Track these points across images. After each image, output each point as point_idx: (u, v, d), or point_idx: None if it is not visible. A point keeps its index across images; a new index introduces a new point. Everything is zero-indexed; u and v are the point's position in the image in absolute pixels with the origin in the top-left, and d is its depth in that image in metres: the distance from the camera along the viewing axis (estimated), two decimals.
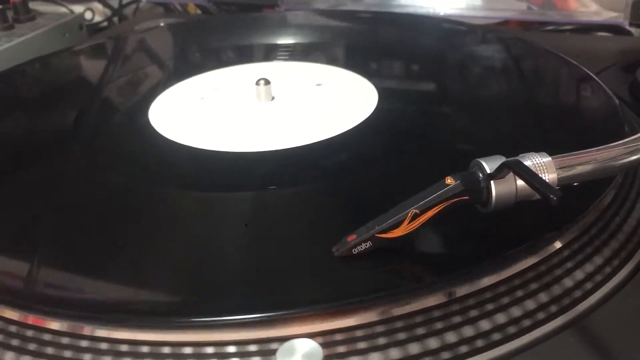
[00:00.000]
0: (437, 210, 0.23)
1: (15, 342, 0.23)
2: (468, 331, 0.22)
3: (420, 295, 0.23)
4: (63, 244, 0.27)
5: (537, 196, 0.22)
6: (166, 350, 0.22)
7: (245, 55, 0.53)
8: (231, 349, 0.22)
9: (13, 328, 0.24)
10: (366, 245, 0.24)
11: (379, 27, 0.58)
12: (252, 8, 0.69)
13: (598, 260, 0.26)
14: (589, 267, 0.25)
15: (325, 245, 0.24)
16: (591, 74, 0.40)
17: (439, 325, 0.22)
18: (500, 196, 0.23)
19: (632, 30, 0.59)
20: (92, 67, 0.53)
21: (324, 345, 0.21)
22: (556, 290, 0.24)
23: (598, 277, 0.25)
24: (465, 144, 0.35)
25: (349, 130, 0.36)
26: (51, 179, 0.33)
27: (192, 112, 0.41)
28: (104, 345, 0.22)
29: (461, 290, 0.23)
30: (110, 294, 0.24)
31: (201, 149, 0.35)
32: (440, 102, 0.41)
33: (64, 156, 0.36)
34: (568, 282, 0.25)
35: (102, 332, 0.23)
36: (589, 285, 0.25)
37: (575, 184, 0.24)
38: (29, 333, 0.23)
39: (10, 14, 0.59)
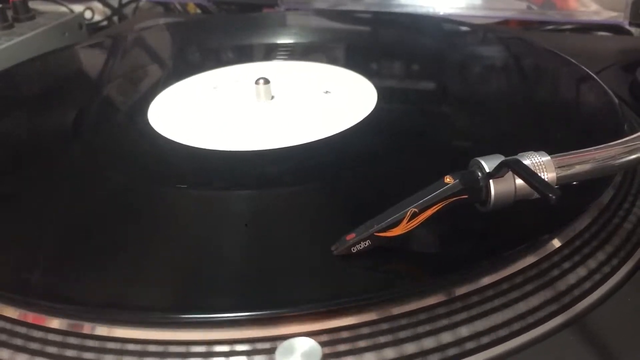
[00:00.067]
0: (436, 209, 0.23)
1: (14, 340, 0.23)
2: (467, 330, 0.22)
3: (419, 294, 0.23)
4: (59, 241, 0.27)
5: (536, 195, 0.22)
6: (162, 348, 0.22)
7: (244, 54, 0.53)
8: (229, 347, 0.22)
9: (12, 326, 0.24)
10: (365, 244, 0.24)
11: (378, 26, 0.58)
12: (252, 7, 0.69)
13: (597, 259, 0.26)
14: (588, 266, 0.25)
15: (324, 244, 0.24)
16: (591, 74, 0.40)
17: (437, 324, 0.22)
18: (499, 195, 0.23)
19: (632, 29, 0.59)
20: (91, 66, 0.53)
21: (323, 344, 0.21)
22: (555, 289, 0.24)
23: (597, 276, 0.25)
24: (465, 143, 0.35)
25: (349, 129, 0.36)
26: (50, 177, 0.33)
27: (192, 111, 0.41)
28: (111, 345, 0.23)
29: (460, 290, 0.23)
30: (111, 292, 0.24)
31: (200, 148, 0.35)
32: (440, 101, 0.41)
33: (63, 155, 0.36)
34: (567, 281, 0.25)
35: (118, 331, 0.23)
36: (588, 284, 0.25)
37: (575, 183, 0.24)
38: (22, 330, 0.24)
39: (10, 13, 0.59)
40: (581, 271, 0.25)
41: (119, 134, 0.40)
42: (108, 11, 0.77)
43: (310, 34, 0.55)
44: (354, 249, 0.24)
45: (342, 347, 0.22)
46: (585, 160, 0.24)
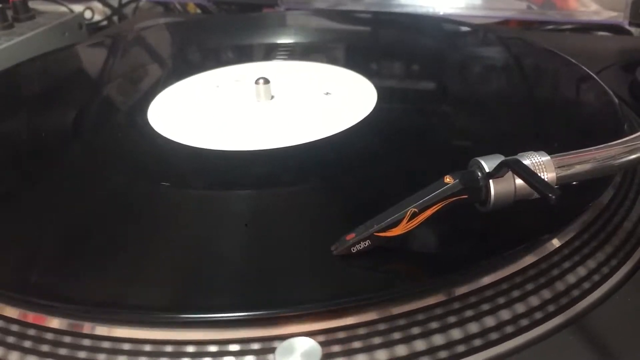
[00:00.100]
0: (436, 209, 0.23)
1: (12, 339, 0.23)
2: (467, 330, 0.22)
3: (419, 294, 0.23)
4: (59, 241, 0.27)
5: (536, 195, 0.22)
6: (162, 348, 0.22)
7: (244, 54, 0.53)
8: (230, 347, 0.22)
9: (12, 326, 0.24)
10: (365, 244, 0.24)
11: (378, 26, 0.58)
12: (252, 7, 0.69)
13: (597, 259, 0.26)
14: (587, 266, 0.25)
15: (324, 244, 0.24)
16: (591, 73, 0.40)
17: (437, 324, 0.22)
18: (499, 195, 0.23)
19: (632, 29, 0.59)
20: (91, 66, 0.53)
21: (322, 344, 0.21)
22: (555, 289, 0.24)
23: (597, 276, 0.25)
24: (464, 142, 0.35)
25: (348, 128, 0.36)
26: (50, 177, 0.33)
27: (192, 111, 0.41)
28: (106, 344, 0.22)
29: (460, 289, 0.23)
30: (110, 292, 0.24)
31: (200, 147, 0.35)
32: (440, 101, 0.41)
33: (63, 155, 0.36)
34: (567, 281, 0.25)
35: (117, 331, 0.23)
36: (587, 284, 0.25)
37: (574, 183, 0.24)
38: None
39: (10, 13, 0.60)
40: (581, 271, 0.25)
41: (119, 133, 0.40)
42: (108, 11, 0.77)
43: (310, 34, 0.55)
44: (354, 249, 0.24)
45: (342, 347, 0.22)
46: (585, 160, 0.24)
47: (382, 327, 0.22)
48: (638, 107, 0.40)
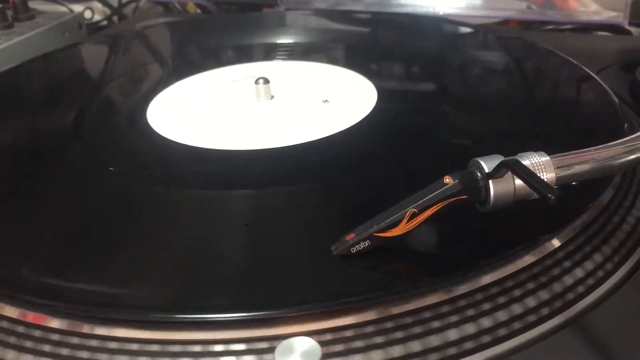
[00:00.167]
0: (436, 209, 0.23)
1: (13, 339, 0.23)
2: (466, 330, 0.22)
3: (419, 294, 0.23)
4: (58, 241, 0.28)
5: (536, 195, 0.22)
6: (161, 347, 0.22)
7: (244, 54, 0.53)
8: (228, 347, 0.22)
9: (12, 326, 0.24)
10: (365, 244, 0.24)
11: (378, 26, 0.58)
12: (252, 7, 0.69)
13: (596, 259, 0.26)
14: (587, 266, 0.25)
15: (324, 244, 0.24)
16: (591, 73, 0.40)
17: (437, 324, 0.22)
18: (498, 195, 0.23)
19: (632, 29, 0.59)
20: (91, 66, 0.53)
21: (322, 343, 0.21)
22: (554, 289, 0.24)
23: (596, 276, 0.25)
24: (464, 142, 0.35)
25: (348, 128, 0.36)
26: (50, 177, 0.33)
27: (191, 111, 0.41)
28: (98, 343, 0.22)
29: (459, 289, 0.23)
30: (110, 291, 0.24)
31: (200, 147, 0.35)
32: (440, 101, 0.41)
33: (62, 155, 0.36)
34: (566, 281, 0.25)
35: (117, 331, 0.23)
36: (587, 284, 0.25)
37: (574, 183, 0.24)
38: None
39: (9, 13, 0.60)
40: (581, 271, 0.25)
41: (118, 134, 0.40)
42: (108, 11, 0.77)
43: (310, 34, 0.55)
44: (354, 249, 0.24)
45: (341, 347, 0.22)
46: (585, 161, 0.24)
47: (382, 327, 0.22)
48: (638, 107, 0.40)
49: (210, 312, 0.22)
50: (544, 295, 0.24)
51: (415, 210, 0.23)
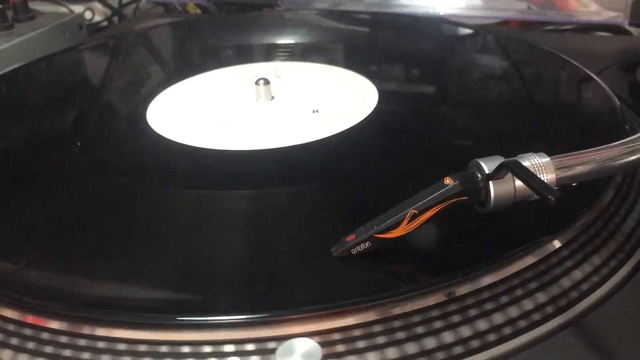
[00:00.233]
0: (436, 210, 0.23)
1: (14, 340, 0.23)
2: (467, 331, 0.22)
3: (419, 296, 0.23)
4: (58, 242, 0.28)
5: (536, 196, 0.22)
6: (164, 349, 0.22)
7: (245, 55, 0.53)
8: (229, 348, 0.22)
9: (12, 327, 0.24)
10: (365, 245, 0.24)
11: (378, 26, 0.58)
12: (252, 8, 0.69)
13: (597, 260, 0.26)
14: (587, 267, 0.25)
15: (324, 245, 0.24)
16: (591, 74, 0.40)
17: (437, 325, 0.22)
18: (498, 196, 0.23)
19: (632, 30, 0.59)
20: (90, 67, 0.53)
21: (323, 344, 0.21)
22: (555, 290, 0.24)
23: (597, 277, 0.25)
24: (464, 144, 0.35)
25: (348, 129, 0.36)
26: (50, 178, 0.33)
27: (191, 111, 0.41)
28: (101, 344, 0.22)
29: (460, 290, 0.23)
30: (110, 292, 0.24)
31: (200, 147, 0.35)
32: (440, 102, 0.41)
33: (62, 155, 0.36)
34: (567, 282, 0.25)
35: (117, 332, 0.23)
36: (587, 285, 0.25)
37: (574, 184, 0.24)
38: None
39: (10, 14, 0.60)
40: (581, 272, 0.25)
41: (117, 134, 0.40)
42: (108, 11, 0.77)
43: (310, 34, 0.55)
44: (354, 251, 0.24)
45: (342, 348, 0.22)
46: (585, 162, 0.24)
47: (382, 327, 0.22)
48: (638, 107, 0.40)
49: (210, 314, 0.22)
50: (544, 296, 0.24)
51: (415, 211, 0.23)
